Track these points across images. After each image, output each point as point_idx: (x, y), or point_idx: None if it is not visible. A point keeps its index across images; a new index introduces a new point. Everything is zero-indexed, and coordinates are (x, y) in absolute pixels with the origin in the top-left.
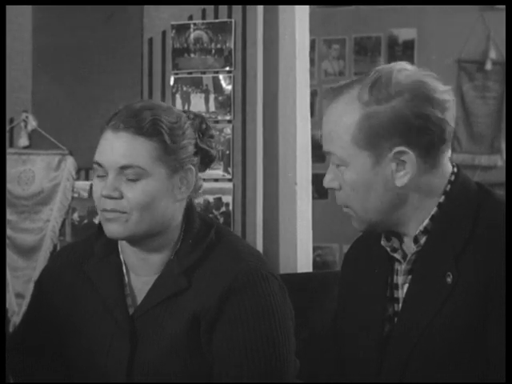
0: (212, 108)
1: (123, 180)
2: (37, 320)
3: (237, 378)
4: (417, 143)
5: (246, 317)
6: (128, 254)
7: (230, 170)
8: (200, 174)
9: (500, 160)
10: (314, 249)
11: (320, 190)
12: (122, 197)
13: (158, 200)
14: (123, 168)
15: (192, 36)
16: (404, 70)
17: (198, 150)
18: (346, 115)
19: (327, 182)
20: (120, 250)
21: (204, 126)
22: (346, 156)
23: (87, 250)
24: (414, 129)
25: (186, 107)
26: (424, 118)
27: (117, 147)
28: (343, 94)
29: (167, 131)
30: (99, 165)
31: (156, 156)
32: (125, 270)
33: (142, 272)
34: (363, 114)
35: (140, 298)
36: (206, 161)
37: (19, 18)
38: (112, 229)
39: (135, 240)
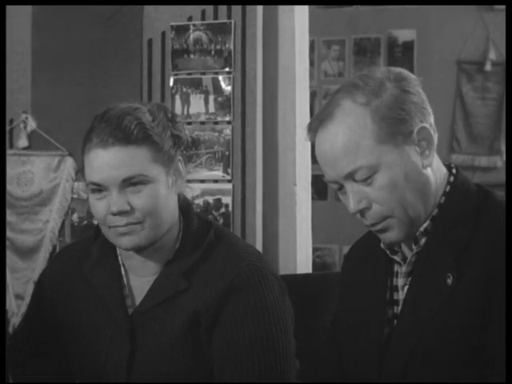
0: (211, 109)
1: (127, 191)
2: (36, 321)
3: (236, 377)
4: (424, 118)
5: (246, 315)
6: (127, 256)
7: (229, 170)
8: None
9: (500, 161)
10: (314, 250)
11: (319, 191)
12: (131, 208)
13: (164, 200)
14: (126, 180)
15: (191, 37)
16: (365, 72)
17: (174, 137)
18: (356, 122)
19: (356, 206)
20: (118, 252)
21: (170, 114)
22: (375, 160)
23: (85, 252)
24: (417, 105)
25: (186, 108)
26: (417, 95)
27: (113, 163)
28: (334, 113)
29: (152, 132)
30: (97, 185)
31: (151, 160)
32: (123, 272)
33: (141, 273)
34: (371, 111)
35: (139, 299)
36: (179, 145)
37: (19, 18)
38: (129, 241)
39: (148, 246)
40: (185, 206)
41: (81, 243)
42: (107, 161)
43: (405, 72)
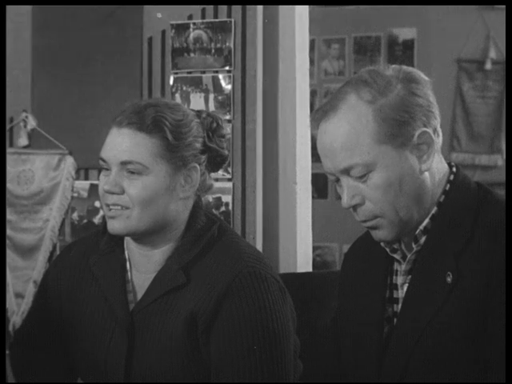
0: (211, 108)
1: (125, 175)
2: (41, 316)
3: (234, 379)
4: (428, 122)
5: (244, 319)
6: (132, 249)
7: (229, 169)
8: (212, 174)
9: (500, 160)
10: (314, 248)
11: (320, 190)
12: (123, 192)
13: (158, 197)
14: (124, 163)
15: (191, 35)
16: (376, 68)
17: (206, 148)
18: (358, 119)
19: (349, 201)
20: (125, 246)
21: (215, 124)
22: (371, 159)
23: (93, 246)
24: (422, 109)
25: (186, 107)
26: (425, 98)
27: (119, 143)
28: (339, 106)
29: (170, 128)
30: (103, 160)
31: (157, 153)
32: (128, 267)
33: (144, 269)
34: (375, 110)
35: (141, 295)
36: (217, 160)
37: (19, 17)
38: (114, 225)
39: (138, 236)
40: (194, 206)
41: (88, 238)
42: (115, 140)
43: (416, 73)
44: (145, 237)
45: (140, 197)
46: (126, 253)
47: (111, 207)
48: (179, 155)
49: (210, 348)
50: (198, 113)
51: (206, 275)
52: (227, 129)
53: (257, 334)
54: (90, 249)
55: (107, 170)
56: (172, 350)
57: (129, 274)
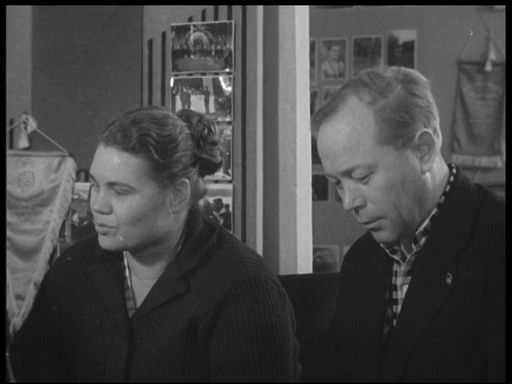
0: (212, 109)
1: (113, 194)
2: (40, 320)
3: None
4: (428, 122)
5: (243, 325)
6: (130, 257)
7: (229, 171)
8: (206, 178)
9: (500, 161)
10: (314, 250)
11: (320, 192)
12: (111, 211)
13: (146, 215)
14: (111, 184)
15: (192, 37)
16: (375, 70)
17: (197, 159)
18: (359, 121)
19: (351, 203)
20: (124, 253)
21: (206, 132)
22: (373, 160)
23: (90, 252)
24: (422, 109)
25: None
26: (424, 98)
27: (106, 162)
28: (339, 108)
29: (156, 146)
30: (92, 178)
31: (144, 172)
32: (127, 274)
33: (143, 275)
34: (375, 111)
35: (140, 302)
36: (209, 168)
37: (19, 18)
38: (103, 241)
39: (130, 252)
40: (191, 210)
41: (85, 244)
42: (102, 158)
43: (415, 74)
44: (138, 251)
45: (126, 217)
46: (125, 259)
47: (99, 225)
48: (167, 173)
49: (209, 353)
50: (188, 121)
51: (205, 283)
52: (227, 130)
53: (256, 338)
54: (86, 256)
55: (96, 185)
56: (171, 356)
57: (128, 280)
